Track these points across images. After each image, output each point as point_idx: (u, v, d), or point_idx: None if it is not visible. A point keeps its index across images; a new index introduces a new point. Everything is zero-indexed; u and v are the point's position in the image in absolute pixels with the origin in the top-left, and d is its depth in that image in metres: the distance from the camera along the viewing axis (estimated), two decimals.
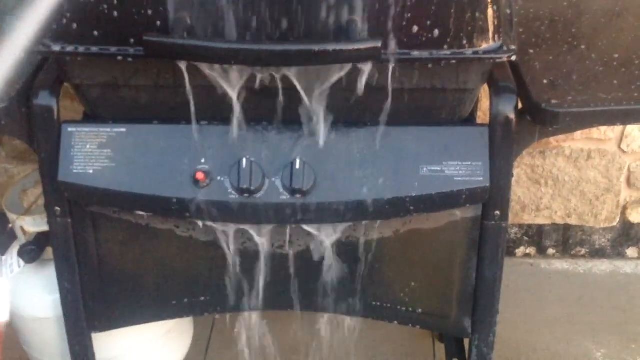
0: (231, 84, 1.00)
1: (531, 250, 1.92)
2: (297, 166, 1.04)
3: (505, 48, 0.98)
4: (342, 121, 1.06)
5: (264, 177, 1.05)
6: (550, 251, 1.92)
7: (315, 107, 1.03)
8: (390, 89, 1.01)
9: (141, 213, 1.11)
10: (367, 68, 0.97)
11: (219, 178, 1.05)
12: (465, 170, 1.06)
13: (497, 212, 1.10)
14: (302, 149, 1.06)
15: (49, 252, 1.24)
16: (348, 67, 0.97)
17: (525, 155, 1.76)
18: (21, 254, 1.26)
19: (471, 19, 0.95)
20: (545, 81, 1.05)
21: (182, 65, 0.98)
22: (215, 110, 1.04)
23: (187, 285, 1.21)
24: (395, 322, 1.25)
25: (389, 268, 1.18)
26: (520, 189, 1.81)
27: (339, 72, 0.98)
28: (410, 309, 1.23)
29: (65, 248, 1.15)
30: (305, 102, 1.03)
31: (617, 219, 1.86)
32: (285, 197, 1.05)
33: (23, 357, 1.44)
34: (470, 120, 1.12)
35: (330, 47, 0.91)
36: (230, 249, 1.14)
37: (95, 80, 1.03)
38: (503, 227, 1.12)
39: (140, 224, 1.14)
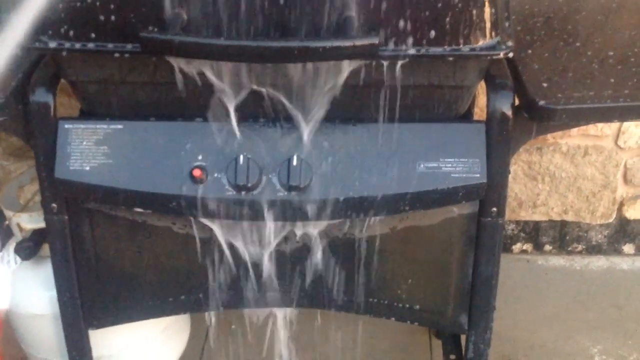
0: (228, 81, 0.99)
1: (528, 246, 1.93)
2: (294, 163, 1.04)
3: (502, 45, 0.98)
4: (340, 118, 1.06)
5: (261, 174, 1.05)
6: (547, 247, 1.92)
7: (313, 104, 1.03)
8: (387, 85, 1.01)
9: (138, 210, 1.11)
10: (364, 65, 0.97)
11: (216, 175, 1.05)
12: (462, 166, 1.06)
13: (494, 209, 1.10)
14: (299, 145, 1.06)
15: (45, 248, 1.24)
16: (347, 64, 0.97)
17: (522, 152, 1.76)
18: (18, 250, 1.26)
19: (468, 15, 0.95)
20: (541, 78, 1.05)
21: (179, 61, 0.97)
22: (212, 106, 1.04)
23: (184, 282, 1.21)
24: (392, 319, 1.25)
25: (386, 265, 1.19)
26: (517, 185, 1.81)
27: (336, 69, 0.98)
28: (407, 306, 1.23)
29: (62, 245, 1.14)
30: (303, 99, 1.03)
31: (614, 216, 1.86)
32: (282, 193, 1.05)
33: (20, 354, 1.44)
34: (467, 117, 1.12)
35: (328, 43, 0.91)
36: (226, 246, 1.14)
37: (92, 77, 1.03)
38: (500, 224, 1.12)
39: (137, 221, 1.14)
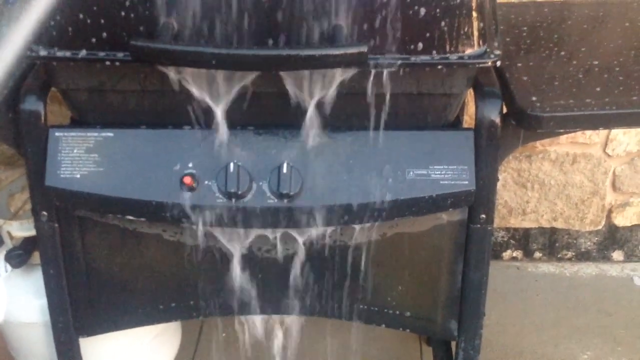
0: (217, 89, 1.00)
1: (518, 253, 1.94)
2: (284, 170, 1.05)
3: (490, 53, 0.99)
4: (329, 125, 1.06)
5: (251, 181, 1.05)
6: (537, 254, 1.93)
7: (302, 112, 1.03)
8: (376, 93, 1.01)
9: (128, 217, 1.11)
10: (353, 73, 0.98)
11: (206, 182, 1.06)
12: (451, 174, 1.07)
13: (483, 216, 1.11)
14: (289, 153, 1.06)
15: (36, 256, 1.24)
16: (336, 72, 0.98)
17: (511, 160, 1.78)
18: (8, 258, 1.26)
19: (456, 24, 0.96)
20: (529, 86, 1.06)
21: (169, 70, 0.98)
22: (202, 114, 1.04)
23: (174, 290, 1.21)
24: (383, 325, 1.25)
25: (376, 271, 1.19)
26: (506, 192, 1.83)
27: (325, 77, 0.99)
28: (398, 312, 1.23)
29: (52, 253, 1.14)
30: (293, 107, 1.03)
31: (603, 223, 1.88)
32: (272, 201, 1.06)
33: None
34: (456, 124, 1.13)
35: (317, 52, 0.92)
36: (217, 253, 1.14)
37: (83, 85, 1.04)
38: (489, 230, 1.12)
39: (128, 229, 1.14)
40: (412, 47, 0.96)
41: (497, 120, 1.05)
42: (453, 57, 0.98)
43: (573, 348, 1.70)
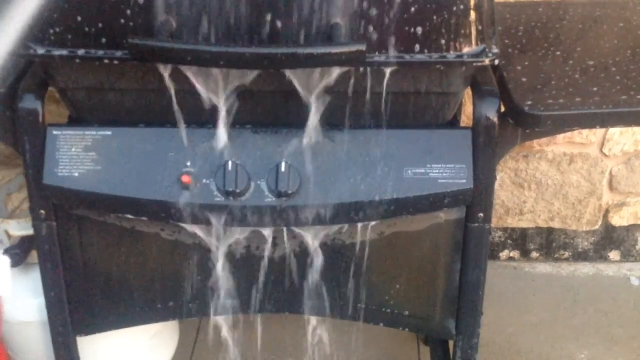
0: (216, 87, 1.00)
1: (515, 253, 1.94)
2: (283, 169, 1.05)
3: (487, 52, 0.99)
4: (327, 124, 1.07)
5: (250, 180, 1.05)
6: (534, 254, 1.94)
7: (301, 110, 1.03)
8: (374, 92, 1.02)
9: (126, 216, 1.11)
10: (351, 71, 0.98)
11: (204, 181, 1.06)
12: (448, 172, 1.07)
13: (481, 214, 1.11)
14: (288, 151, 1.06)
15: (33, 255, 1.24)
16: (332, 70, 0.98)
17: (508, 159, 1.78)
18: None
19: (454, 23, 0.96)
20: (526, 85, 1.07)
21: (167, 68, 0.98)
22: (200, 113, 1.04)
23: (172, 289, 1.21)
24: (381, 324, 1.26)
25: (374, 270, 1.19)
26: (504, 192, 1.83)
27: (323, 76, 0.99)
28: (395, 311, 1.23)
29: (50, 251, 1.14)
30: (291, 106, 1.03)
31: (600, 222, 1.88)
32: (270, 199, 1.06)
33: None
34: (453, 123, 1.13)
35: (315, 50, 0.92)
36: (215, 252, 1.14)
37: (80, 84, 1.04)
38: (486, 229, 1.13)
39: (126, 227, 1.14)
40: (410, 45, 0.96)
41: (495, 119, 1.05)
42: (451, 56, 0.98)
43: (570, 347, 1.70)
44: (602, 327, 1.75)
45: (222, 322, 1.29)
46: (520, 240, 1.92)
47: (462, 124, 1.19)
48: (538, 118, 1.01)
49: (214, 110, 1.03)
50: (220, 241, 1.13)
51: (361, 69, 0.98)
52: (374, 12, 0.94)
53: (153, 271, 1.19)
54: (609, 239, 1.92)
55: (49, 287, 1.18)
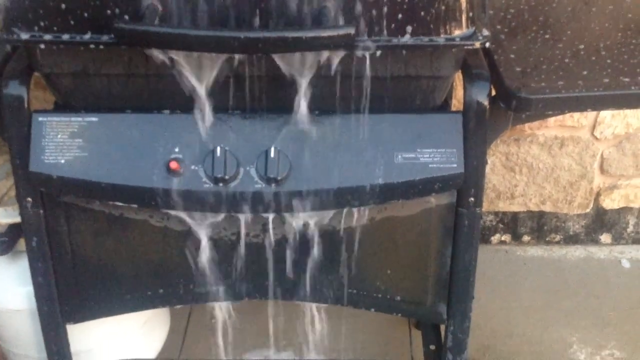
0: (204, 72, 0.99)
1: (506, 237, 1.94)
2: (272, 155, 1.04)
3: (478, 34, 0.98)
4: (317, 109, 1.06)
5: (239, 166, 1.05)
6: (525, 238, 1.94)
7: (290, 95, 1.02)
8: (364, 76, 1.01)
9: (114, 203, 1.10)
10: (340, 55, 0.97)
11: (192, 167, 1.05)
12: (439, 157, 1.06)
13: (472, 199, 1.11)
14: (277, 137, 1.06)
15: (21, 243, 1.23)
16: (323, 54, 0.97)
17: (499, 143, 1.77)
18: None
19: (444, 6, 0.95)
20: (517, 68, 1.06)
21: (154, 53, 0.97)
22: (188, 98, 1.03)
23: (162, 276, 1.21)
24: (372, 310, 1.25)
25: (365, 256, 1.19)
26: (495, 176, 1.83)
27: (312, 60, 0.98)
28: (387, 296, 1.23)
29: (38, 239, 1.13)
30: (280, 91, 1.02)
31: (591, 206, 1.88)
32: (260, 185, 1.05)
33: None
34: (444, 107, 1.12)
35: (303, 34, 0.91)
36: (205, 239, 1.13)
37: (66, 69, 1.02)
38: (477, 213, 1.12)
39: (114, 214, 1.13)
40: (400, 28, 0.95)
41: (486, 102, 1.04)
42: (441, 39, 0.97)
43: (561, 330, 1.71)
44: (593, 310, 1.76)
45: (213, 309, 1.29)
46: (511, 224, 1.92)
47: (452, 108, 1.19)
48: (529, 101, 1.00)
49: (202, 95, 1.02)
50: (210, 228, 1.12)
51: (351, 53, 0.97)
52: None
53: (142, 258, 1.19)
54: (600, 222, 1.92)
55: (38, 275, 1.17)
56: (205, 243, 1.14)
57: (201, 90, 1.01)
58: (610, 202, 1.88)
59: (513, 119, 1.10)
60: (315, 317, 1.34)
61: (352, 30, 0.91)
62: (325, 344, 1.60)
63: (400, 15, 0.95)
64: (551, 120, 1.73)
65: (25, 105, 1.04)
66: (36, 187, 1.09)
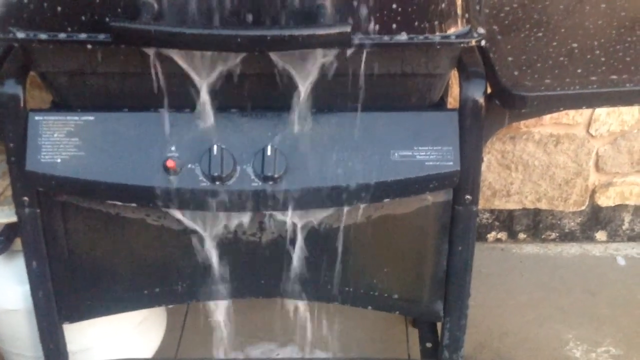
0: (200, 71, 0.99)
1: (502, 235, 1.94)
2: (269, 153, 1.04)
3: (473, 32, 0.98)
4: (313, 107, 1.06)
5: (235, 164, 1.05)
6: (521, 235, 1.94)
7: (286, 94, 1.02)
8: (360, 74, 1.01)
9: (111, 202, 1.10)
10: (336, 53, 0.97)
11: (189, 166, 1.05)
12: (435, 155, 1.06)
13: (468, 196, 1.11)
14: (274, 135, 1.06)
15: (18, 243, 1.23)
16: (319, 52, 0.97)
17: (495, 141, 1.78)
18: None
19: (440, 4, 0.96)
20: (512, 66, 1.06)
21: (151, 51, 0.97)
22: (185, 97, 1.03)
23: (159, 275, 1.21)
24: (369, 308, 1.26)
25: (362, 254, 1.19)
26: (491, 174, 1.83)
27: (309, 58, 0.98)
28: (383, 294, 1.23)
29: (34, 238, 1.13)
30: (276, 89, 1.02)
31: (586, 203, 1.89)
32: (257, 184, 1.05)
33: None
34: (440, 105, 1.12)
35: (300, 32, 0.91)
36: (201, 237, 1.13)
37: (62, 68, 1.02)
38: (473, 211, 1.12)
39: (110, 213, 1.13)
40: (395, 26, 0.95)
41: (482, 100, 1.05)
42: (437, 37, 0.97)
43: (558, 328, 1.71)
44: (589, 307, 1.76)
45: (209, 307, 1.29)
46: (507, 221, 1.92)
47: (449, 106, 1.19)
48: (525, 99, 1.01)
49: (199, 93, 1.02)
50: (206, 226, 1.12)
51: (347, 51, 0.97)
52: None
53: (139, 257, 1.19)
54: (596, 220, 1.92)
55: (34, 275, 1.17)
56: (201, 241, 1.14)
57: (198, 88, 1.01)
58: (605, 200, 1.88)
59: (509, 117, 1.10)
60: (312, 315, 1.34)
61: (348, 29, 0.91)
62: (322, 341, 1.61)
63: (395, 14, 0.95)
64: (547, 117, 1.73)
65: (22, 104, 1.04)
66: (33, 187, 1.08)
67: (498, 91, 1.04)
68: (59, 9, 0.94)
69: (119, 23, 0.91)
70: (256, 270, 1.19)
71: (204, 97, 1.02)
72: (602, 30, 1.17)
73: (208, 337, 1.37)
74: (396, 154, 1.06)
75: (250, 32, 0.92)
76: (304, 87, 1.01)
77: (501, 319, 1.73)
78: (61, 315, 1.21)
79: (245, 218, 1.12)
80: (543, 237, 1.94)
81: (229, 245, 1.16)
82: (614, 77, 1.04)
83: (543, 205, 1.88)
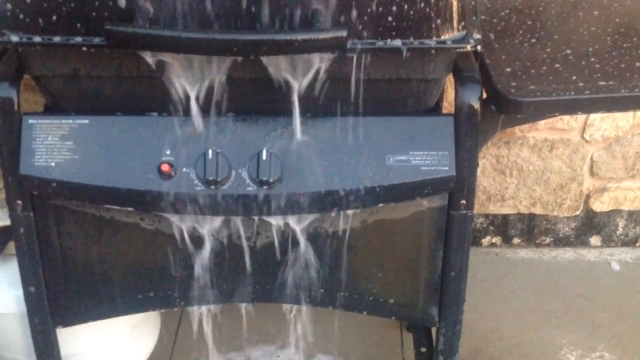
0: (195, 74, 0.99)
1: (497, 239, 1.94)
2: (264, 157, 1.04)
3: (469, 37, 0.98)
4: (309, 112, 1.06)
5: (230, 169, 1.04)
6: (516, 240, 1.95)
7: (281, 98, 1.02)
8: (355, 79, 1.01)
9: (105, 206, 1.09)
10: (332, 58, 0.97)
11: (184, 170, 1.04)
12: (431, 159, 1.06)
13: (463, 201, 1.11)
14: (269, 140, 1.05)
15: (11, 246, 1.22)
16: (315, 57, 0.97)
17: (490, 146, 1.78)
18: None
19: (436, 9, 0.96)
20: (508, 72, 1.06)
21: (146, 55, 0.96)
22: (179, 100, 1.03)
23: (153, 279, 1.20)
24: (365, 313, 1.25)
25: (357, 258, 1.19)
26: (485, 179, 1.83)
27: (304, 63, 0.98)
28: (378, 299, 1.23)
29: (28, 242, 1.13)
30: (271, 94, 1.02)
31: (581, 208, 1.89)
32: (251, 188, 1.05)
33: None
34: (435, 110, 1.12)
35: (295, 36, 0.91)
36: (196, 242, 1.13)
37: (56, 72, 1.02)
38: (469, 216, 1.12)
39: (104, 217, 1.12)
40: (391, 31, 0.95)
41: (477, 105, 1.05)
42: (433, 42, 0.97)
43: (552, 332, 1.71)
44: (583, 312, 1.77)
45: (204, 312, 1.29)
46: (502, 226, 1.93)
47: (444, 111, 1.19)
48: (520, 104, 1.01)
49: (194, 98, 1.01)
50: (201, 231, 1.12)
51: (342, 55, 0.97)
52: None
53: (133, 261, 1.18)
54: (590, 225, 1.93)
55: (27, 279, 1.16)
56: (196, 246, 1.14)
57: (192, 92, 1.01)
58: (600, 205, 1.89)
59: (504, 122, 1.11)
60: (306, 319, 1.34)
61: (344, 33, 0.91)
62: (316, 345, 1.60)
63: (391, 19, 0.95)
64: (541, 122, 1.74)
65: (16, 107, 1.04)
66: (26, 190, 1.08)
67: (493, 96, 1.04)
68: (54, 12, 0.94)
69: (114, 27, 0.90)
70: (250, 275, 1.19)
71: (199, 100, 1.02)
72: (597, 36, 1.17)
73: (202, 342, 1.36)
74: (391, 159, 1.06)
75: (246, 36, 0.92)
76: (299, 92, 1.01)
77: (495, 323, 1.73)
78: (54, 319, 1.21)
79: (240, 222, 1.12)
80: (537, 242, 1.95)
81: (223, 249, 1.15)
82: (609, 83, 1.04)
83: (537, 210, 1.88)
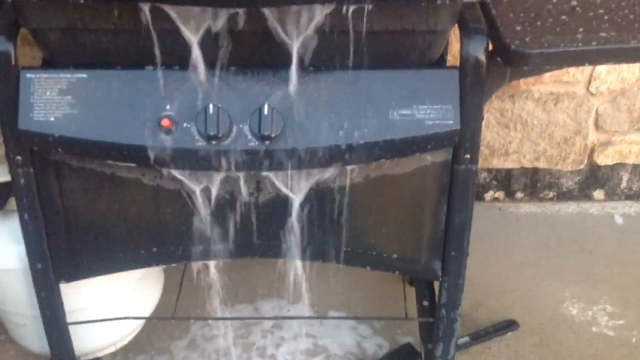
0: (196, 27, 0.97)
1: (500, 194, 1.94)
2: (265, 112, 1.02)
3: None
4: (311, 66, 1.04)
5: (232, 124, 1.03)
6: (519, 195, 1.94)
7: (283, 52, 1.00)
8: (358, 31, 0.99)
9: (105, 161, 1.08)
10: (334, 9, 0.95)
11: (185, 125, 1.03)
12: (435, 113, 1.05)
13: (467, 156, 1.10)
14: (270, 94, 1.04)
15: (12, 202, 1.21)
16: (318, 8, 0.95)
17: (494, 100, 1.76)
18: None
19: None
20: (514, 23, 1.04)
21: (144, 6, 0.94)
22: (180, 54, 1.01)
23: (155, 234, 1.20)
24: (368, 268, 1.25)
25: (360, 214, 1.18)
26: (489, 133, 1.82)
27: (306, 15, 0.96)
28: (382, 254, 1.23)
29: (29, 198, 1.12)
30: (273, 47, 1.00)
31: (585, 162, 1.88)
32: (253, 143, 1.04)
33: None
34: (440, 63, 1.10)
35: None
36: (198, 197, 1.12)
37: (53, 24, 1.00)
38: (473, 171, 1.11)
39: (105, 173, 1.11)
40: None
41: (483, 57, 1.03)
42: None
43: (554, 286, 1.72)
44: (586, 266, 1.77)
45: (207, 266, 1.29)
46: (505, 181, 1.92)
47: (448, 64, 1.17)
48: (527, 56, 0.99)
49: (194, 51, 1.00)
50: (203, 186, 1.11)
51: (344, 6, 0.95)
52: None
53: (135, 217, 1.18)
54: (594, 178, 1.92)
55: (29, 235, 1.16)
56: (198, 201, 1.13)
57: (193, 45, 0.99)
58: (604, 158, 1.88)
59: (510, 75, 1.09)
60: (309, 273, 1.34)
61: None
62: (318, 302, 1.61)
63: None
64: (546, 75, 1.71)
65: (13, 61, 1.02)
66: (26, 146, 1.07)
67: (500, 48, 1.02)
68: None
69: None
70: (253, 230, 1.18)
71: (199, 54, 1.00)
72: None
73: (206, 296, 1.37)
74: (395, 113, 1.05)
75: None
76: (300, 45, 0.99)
77: (498, 277, 1.73)
78: (57, 274, 1.21)
79: (242, 178, 1.11)
80: (541, 196, 1.94)
81: (225, 204, 1.15)
82: (617, 34, 1.02)
83: (541, 164, 1.87)
